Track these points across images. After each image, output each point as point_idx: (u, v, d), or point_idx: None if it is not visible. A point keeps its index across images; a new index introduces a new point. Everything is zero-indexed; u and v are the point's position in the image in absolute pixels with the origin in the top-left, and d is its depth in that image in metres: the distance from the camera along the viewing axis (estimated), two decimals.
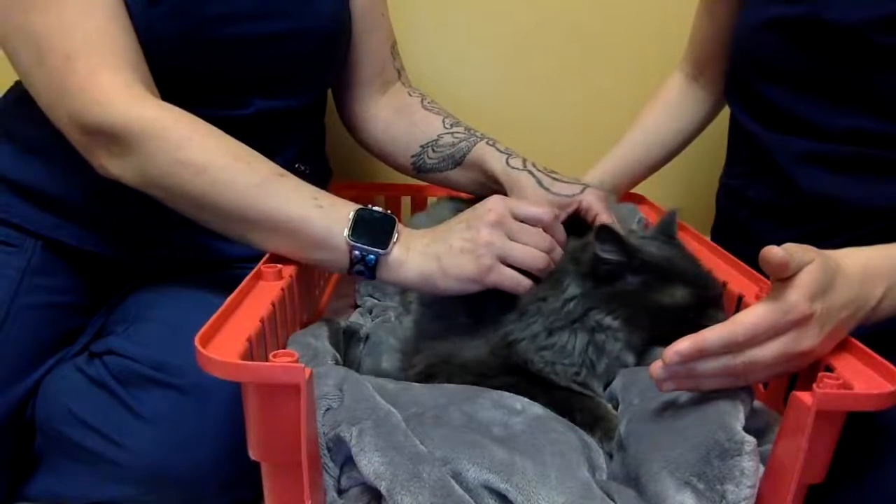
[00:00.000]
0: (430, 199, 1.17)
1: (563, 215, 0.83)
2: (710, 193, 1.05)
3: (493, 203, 0.74)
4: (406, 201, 1.22)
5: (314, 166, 1.02)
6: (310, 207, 0.72)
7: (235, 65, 0.86)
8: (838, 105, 0.81)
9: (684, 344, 0.57)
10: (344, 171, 1.24)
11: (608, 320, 0.71)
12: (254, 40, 0.86)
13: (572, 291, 0.72)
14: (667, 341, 0.62)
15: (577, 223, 0.83)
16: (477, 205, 0.76)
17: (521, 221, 0.74)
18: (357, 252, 0.71)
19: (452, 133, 0.98)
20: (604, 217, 0.82)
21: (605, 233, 0.70)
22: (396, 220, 0.74)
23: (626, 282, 0.71)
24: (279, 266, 0.73)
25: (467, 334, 0.77)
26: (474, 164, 0.94)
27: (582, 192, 0.85)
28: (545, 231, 0.74)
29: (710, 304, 0.71)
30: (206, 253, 0.91)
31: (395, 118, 1.02)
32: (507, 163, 0.90)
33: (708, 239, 0.94)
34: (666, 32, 1.15)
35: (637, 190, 1.12)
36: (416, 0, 1.21)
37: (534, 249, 0.72)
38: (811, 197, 0.84)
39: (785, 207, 0.87)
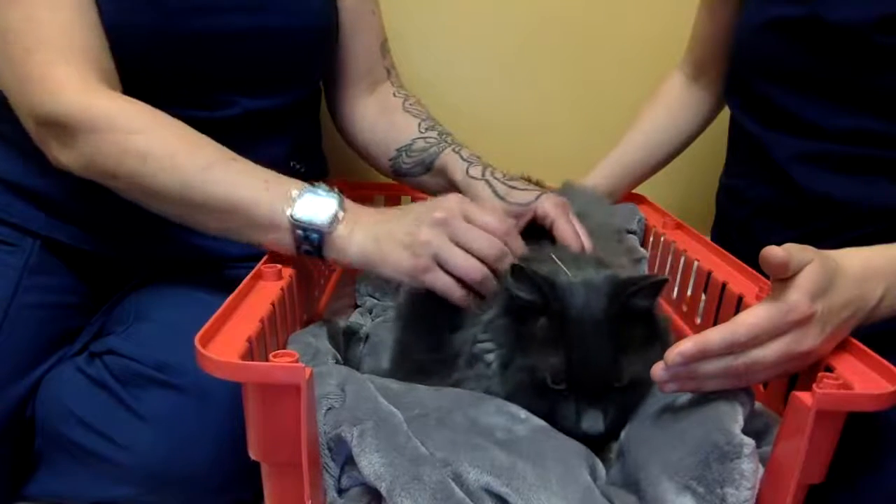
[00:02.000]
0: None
1: (521, 224, 0.82)
2: (710, 193, 1.05)
3: (448, 202, 0.73)
4: (406, 202, 1.21)
5: (310, 165, 1.01)
6: (258, 189, 0.72)
7: (213, 61, 0.84)
8: (838, 105, 0.81)
9: (687, 345, 0.57)
10: (344, 171, 1.24)
11: (490, 357, 0.68)
12: (231, 35, 0.84)
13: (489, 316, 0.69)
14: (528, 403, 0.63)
15: (538, 230, 0.82)
16: (436, 199, 0.75)
17: (479, 226, 0.71)
18: (300, 231, 0.70)
19: (425, 138, 0.96)
20: (560, 223, 0.79)
21: (518, 272, 0.65)
22: (343, 196, 0.73)
23: (538, 325, 0.65)
24: (279, 266, 0.73)
25: (431, 376, 0.73)
26: (441, 171, 0.93)
27: (537, 199, 0.82)
28: (502, 240, 0.72)
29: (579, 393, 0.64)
30: (206, 253, 0.91)
31: (378, 119, 1.01)
32: (468, 171, 0.89)
33: (708, 239, 0.94)
34: (666, 32, 1.15)
35: (637, 190, 1.13)
36: None
37: (474, 260, 0.69)
38: (811, 197, 0.84)
39: (785, 207, 0.87)
